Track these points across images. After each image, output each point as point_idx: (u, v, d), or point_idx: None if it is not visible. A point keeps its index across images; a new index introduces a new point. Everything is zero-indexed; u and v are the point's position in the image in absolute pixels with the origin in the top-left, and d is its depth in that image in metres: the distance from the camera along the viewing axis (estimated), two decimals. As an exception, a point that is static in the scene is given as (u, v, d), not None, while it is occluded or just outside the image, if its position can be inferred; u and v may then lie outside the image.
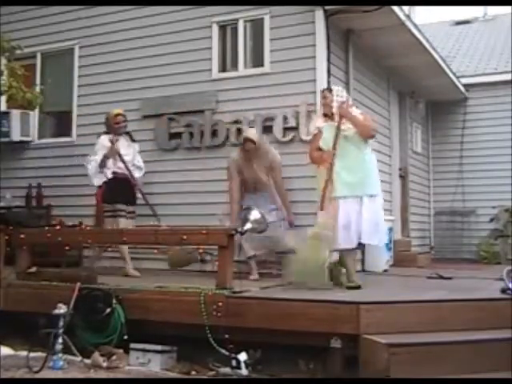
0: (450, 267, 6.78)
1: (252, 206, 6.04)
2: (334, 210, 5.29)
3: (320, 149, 5.52)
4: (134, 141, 6.86)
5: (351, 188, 5.32)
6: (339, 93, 5.57)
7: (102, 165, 6.56)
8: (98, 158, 6.60)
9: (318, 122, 5.69)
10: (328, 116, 5.57)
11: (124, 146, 6.71)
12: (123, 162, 6.59)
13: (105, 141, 6.66)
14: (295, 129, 6.95)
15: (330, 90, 5.63)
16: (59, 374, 4.44)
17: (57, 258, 7.26)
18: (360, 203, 5.31)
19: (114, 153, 6.57)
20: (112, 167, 6.58)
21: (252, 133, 6.43)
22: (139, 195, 6.75)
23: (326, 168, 5.37)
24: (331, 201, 5.34)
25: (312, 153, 5.63)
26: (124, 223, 6.41)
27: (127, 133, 6.85)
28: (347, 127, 5.41)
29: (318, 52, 6.91)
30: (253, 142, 6.26)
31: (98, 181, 6.64)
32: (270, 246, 6.11)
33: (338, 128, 5.38)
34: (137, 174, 6.76)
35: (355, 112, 5.56)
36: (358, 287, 5.23)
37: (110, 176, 6.57)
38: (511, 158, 10.40)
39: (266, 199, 6.29)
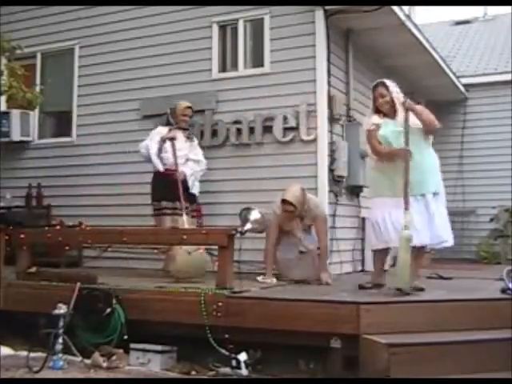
0: (450, 267, 6.77)
1: (252, 207, 6.07)
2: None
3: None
4: (189, 138, 6.67)
5: (413, 187, 5.00)
6: (393, 88, 5.24)
7: (160, 149, 6.46)
8: (154, 142, 6.49)
9: (374, 118, 5.32)
10: (383, 113, 5.27)
11: (181, 139, 6.58)
12: (174, 151, 6.43)
13: (162, 129, 6.61)
14: (295, 129, 6.95)
15: (385, 85, 5.25)
16: (59, 374, 4.44)
17: (57, 258, 7.29)
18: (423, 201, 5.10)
19: (171, 136, 6.46)
20: (166, 158, 6.46)
21: (292, 195, 5.78)
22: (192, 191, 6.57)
23: (405, 165, 4.96)
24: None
25: (377, 147, 5.23)
26: (170, 221, 6.28)
27: (186, 129, 6.71)
28: (412, 123, 5.08)
29: (318, 52, 6.91)
30: (293, 205, 5.75)
31: (161, 166, 6.49)
32: None
33: (406, 122, 5.03)
34: (197, 168, 6.61)
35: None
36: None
37: (161, 169, 6.47)
38: (511, 157, 10.41)
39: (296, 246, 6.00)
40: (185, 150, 6.57)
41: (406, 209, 4.89)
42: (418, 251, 5.10)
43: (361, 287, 5.28)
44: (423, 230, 5.01)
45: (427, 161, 5.18)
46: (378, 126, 5.26)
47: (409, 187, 4.92)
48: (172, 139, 6.48)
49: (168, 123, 6.72)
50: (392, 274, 4.99)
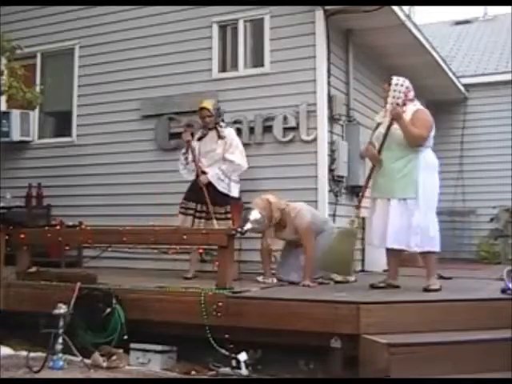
0: (450, 267, 6.77)
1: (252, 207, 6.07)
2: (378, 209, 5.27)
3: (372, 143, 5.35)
4: (220, 137, 6.39)
5: (381, 190, 5.23)
6: (397, 87, 5.22)
7: (185, 158, 6.41)
8: (183, 150, 6.49)
9: (377, 116, 5.45)
10: (387, 110, 5.29)
11: (212, 140, 6.41)
12: (193, 154, 6.32)
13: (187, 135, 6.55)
14: (295, 129, 6.95)
15: (389, 83, 5.28)
16: (59, 374, 4.44)
17: (57, 258, 7.29)
18: (388, 205, 5.17)
19: (187, 137, 6.40)
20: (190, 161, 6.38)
21: (254, 206, 5.75)
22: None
23: (370, 169, 5.26)
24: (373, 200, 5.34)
25: (365, 146, 5.43)
26: (190, 222, 6.23)
27: (217, 130, 6.45)
28: (397, 127, 5.15)
29: (318, 52, 6.91)
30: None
31: (188, 175, 6.45)
32: None
33: (388, 128, 5.14)
34: (232, 169, 6.36)
35: (410, 109, 5.20)
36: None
37: (190, 178, 6.42)
38: (511, 157, 10.41)
39: (298, 257, 5.96)
40: (218, 150, 6.36)
41: (357, 208, 5.50)
42: (424, 254, 5.25)
43: (373, 286, 5.30)
44: (380, 232, 5.19)
45: (398, 166, 5.15)
46: (378, 124, 5.35)
47: (377, 188, 5.24)
48: (188, 142, 6.40)
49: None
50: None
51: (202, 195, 6.23)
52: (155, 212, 7.30)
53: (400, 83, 5.26)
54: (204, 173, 6.30)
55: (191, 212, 6.32)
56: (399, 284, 5.37)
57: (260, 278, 5.84)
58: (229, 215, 6.32)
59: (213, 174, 6.30)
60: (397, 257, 5.43)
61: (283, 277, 5.89)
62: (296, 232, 5.83)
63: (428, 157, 5.26)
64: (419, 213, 5.09)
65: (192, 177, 6.42)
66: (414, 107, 5.26)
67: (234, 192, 6.43)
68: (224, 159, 6.36)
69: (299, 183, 6.70)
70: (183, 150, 6.52)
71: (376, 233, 5.28)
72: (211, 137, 6.45)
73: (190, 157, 6.39)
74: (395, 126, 5.15)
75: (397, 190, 5.14)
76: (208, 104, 6.46)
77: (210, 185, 6.28)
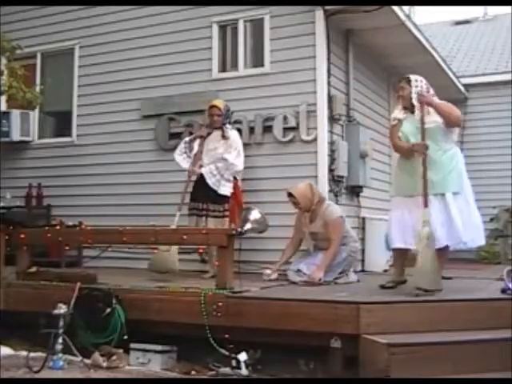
0: (450, 267, 6.75)
1: (252, 206, 6.08)
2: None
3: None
4: (224, 137, 6.42)
5: (432, 186, 4.99)
6: (418, 83, 5.20)
7: (190, 145, 6.45)
8: (183, 142, 6.52)
9: (397, 113, 5.36)
10: (407, 108, 5.26)
11: (215, 139, 6.46)
12: (199, 149, 6.38)
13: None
14: (295, 129, 6.95)
15: (408, 80, 5.25)
16: (59, 374, 4.44)
17: (57, 258, 7.29)
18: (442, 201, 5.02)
19: (201, 133, 6.44)
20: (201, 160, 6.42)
21: (296, 188, 5.95)
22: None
23: (422, 160, 4.97)
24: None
25: (396, 142, 5.27)
26: (195, 221, 6.27)
27: (223, 130, 6.48)
28: (430, 120, 5.08)
29: (318, 52, 6.91)
30: (295, 197, 5.91)
31: (184, 162, 6.47)
32: None
33: (422, 120, 5.03)
34: (227, 168, 6.36)
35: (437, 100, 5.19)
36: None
37: (185, 167, 6.45)
38: (511, 157, 10.41)
39: (316, 256, 5.95)
40: (220, 149, 6.42)
41: (425, 206, 4.88)
42: (439, 251, 5.00)
43: (382, 287, 5.27)
44: (440, 229, 4.95)
45: (445, 160, 5.11)
46: (400, 121, 5.27)
47: (427, 185, 4.91)
48: (201, 137, 6.44)
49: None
50: (415, 274, 4.86)
51: (204, 193, 6.27)
52: (155, 212, 7.30)
53: (420, 79, 5.26)
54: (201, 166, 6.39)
55: (195, 212, 6.35)
56: (406, 279, 5.29)
57: (265, 271, 5.91)
58: (227, 213, 6.36)
59: (206, 169, 6.38)
60: (404, 255, 5.35)
61: (292, 267, 5.90)
62: (325, 225, 5.87)
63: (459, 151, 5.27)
64: (469, 207, 5.07)
65: (185, 164, 6.47)
66: (438, 101, 5.25)
67: (224, 190, 6.41)
68: (224, 159, 6.40)
69: (299, 183, 6.68)
70: (186, 139, 6.55)
71: (441, 230, 4.97)
72: (215, 136, 6.48)
73: (196, 149, 6.42)
74: (430, 119, 5.07)
75: (451, 184, 5.05)
76: (219, 103, 6.51)
77: (206, 184, 6.33)
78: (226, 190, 6.42)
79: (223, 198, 6.39)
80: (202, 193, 6.35)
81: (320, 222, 5.93)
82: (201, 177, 6.39)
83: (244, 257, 6.19)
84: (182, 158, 6.52)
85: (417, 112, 5.15)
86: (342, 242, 5.89)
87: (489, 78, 11.13)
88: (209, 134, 6.51)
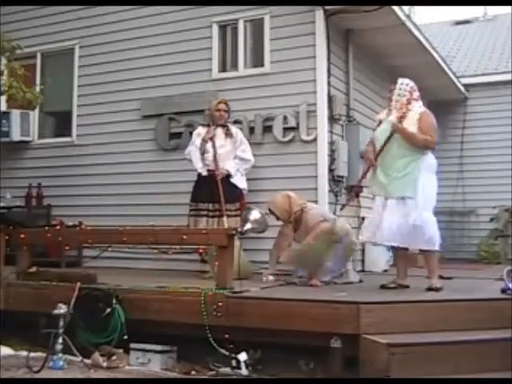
0: (450, 267, 6.77)
1: (252, 206, 6.07)
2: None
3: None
4: (228, 134, 6.52)
5: (380, 188, 5.27)
6: (402, 86, 5.28)
7: (202, 150, 6.42)
8: (194, 146, 6.49)
9: (380, 114, 5.53)
10: (391, 109, 5.35)
11: (221, 136, 6.51)
12: (214, 152, 6.37)
13: (201, 130, 6.59)
14: (295, 129, 6.95)
15: (395, 83, 5.35)
16: (59, 374, 4.44)
17: (57, 258, 7.29)
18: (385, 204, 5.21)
19: (211, 134, 6.42)
20: (207, 158, 6.42)
21: (272, 202, 6.02)
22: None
23: (365, 169, 5.37)
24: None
25: (367, 147, 5.50)
26: (205, 223, 6.24)
27: (225, 126, 6.58)
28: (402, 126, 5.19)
29: (318, 52, 6.91)
30: (273, 213, 5.97)
31: (200, 167, 6.44)
32: None
33: (388, 139, 5.20)
34: (245, 166, 6.54)
35: (415, 111, 5.24)
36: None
37: (205, 173, 6.41)
38: (511, 157, 10.41)
39: None
40: (227, 147, 6.48)
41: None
42: (424, 252, 5.27)
43: (383, 287, 5.29)
44: (375, 229, 5.19)
45: (398, 166, 5.19)
46: (379, 122, 5.40)
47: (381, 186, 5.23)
48: (211, 138, 6.44)
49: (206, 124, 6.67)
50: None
51: (214, 194, 6.26)
52: (155, 212, 7.31)
53: (405, 83, 5.33)
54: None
55: (204, 213, 6.33)
56: (409, 284, 5.36)
57: (264, 272, 5.93)
58: (238, 212, 6.35)
59: (230, 166, 6.41)
60: (403, 257, 5.43)
61: (294, 274, 5.92)
62: (307, 232, 5.85)
63: (428, 158, 5.30)
64: (416, 212, 5.11)
65: (204, 170, 6.43)
66: (419, 108, 5.31)
67: (242, 184, 6.52)
68: (235, 156, 6.48)
69: (299, 183, 6.69)
70: (197, 144, 6.50)
71: (367, 227, 5.37)
72: (219, 134, 6.50)
73: (211, 152, 6.40)
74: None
75: (395, 189, 5.17)
76: (225, 101, 6.62)
77: (225, 180, 6.34)
78: (244, 183, 6.53)
79: (235, 198, 6.42)
80: (212, 193, 6.29)
81: (304, 229, 5.90)
82: (210, 177, 6.37)
83: (245, 256, 6.21)
84: (200, 166, 6.46)
85: (392, 116, 5.28)
86: (337, 240, 5.85)
87: (489, 78, 11.13)
88: (214, 130, 6.52)
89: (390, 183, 5.19)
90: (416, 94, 5.33)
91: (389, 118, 5.30)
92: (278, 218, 6.01)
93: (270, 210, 6.02)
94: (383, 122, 5.37)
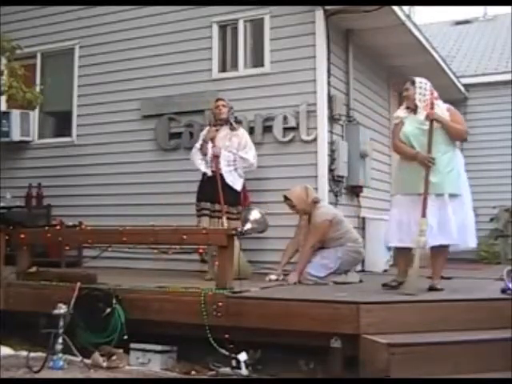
0: (450, 267, 6.75)
1: (252, 206, 6.08)
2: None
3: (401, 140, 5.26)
4: (232, 129, 6.48)
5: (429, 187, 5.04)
6: (422, 85, 5.23)
7: (203, 151, 6.40)
8: (196, 148, 6.48)
9: (400, 112, 5.41)
10: (410, 108, 5.29)
11: (224, 136, 6.46)
12: (213, 149, 6.34)
13: (204, 131, 6.58)
14: (295, 129, 6.95)
15: (412, 82, 5.28)
16: (59, 374, 4.44)
17: (57, 258, 7.29)
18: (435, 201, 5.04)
19: (211, 135, 6.39)
20: (208, 159, 6.38)
21: (291, 191, 6.06)
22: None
23: (425, 172, 5.02)
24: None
25: (397, 143, 5.30)
26: (207, 222, 6.21)
27: (230, 123, 6.53)
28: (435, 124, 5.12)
29: (318, 52, 6.91)
30: (289, 200, 6.03)
31: (203, 167, 6.41)
32: None
33: (430, 133, 5.07)
34: (244, 164, 6.46)
35: (441, 107, 5.24)
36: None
37: (210, 173, 6.37)
38: (511, 157, 10.41)
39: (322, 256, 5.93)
40: (232, 146, 6.43)
41: (423, 216, 4.91)
42: (435, 250, 5.13)
43: (385, 285, 5.26)
44: (436, 229, 4.99)
45: (444, 161, 5.13)
46: (402, 121, 5.29)
47: (427, 192, 4.98)
48: (212, 139, 6.41)
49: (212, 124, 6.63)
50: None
51: (215, 193, 6.24)
52: (155, 212, 7.31)
53: (424, 82, 5.29)
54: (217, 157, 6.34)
55: (206, 212, 6.32)
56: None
57: (272, 277, 5.89)
58: (240, 216, 6.30)
59: (224, 154, 6.35)
60: (407, 256, 5.35)
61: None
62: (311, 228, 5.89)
63: (460, 153, 5.34)
64: (465, 209, 5.12)
65: (209, 171, 6.40)
66: (443, 104, 5.31)
67: (238, 185, 6.44)
68: (240, 157, 6.44)
69: (299, 183, 6.68)
70: (197, 145, 6.50)
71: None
72: (224, 134, 6.48)
73: (210, 151, 6.37)
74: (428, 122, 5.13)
75: (448, 185, 5.08)
76: (222, 98, 6.60)
77: (223, 185, 6.28)
78: (238, 185, 6.44)
79: (237, 201, 6.41)
80: (213, 193, 6.27)
81: (311, 224, 5.95)
82: (213, 177, 6.35)
83: (244, 257, 6.20)
84: (203, 165, 6.45)
85: (421, 114, 5.17)
86: (338, 243, 5.89)
87: (489, 78, 11.13)
88: (216, 131, 6.49)
89: (443, 180, 5.06)
90: (436, 93, 5.31)
91: (418, 117, 5.19)
92: (292, 207, 6.03)
93: (285, 197, 6.05)
94: (407, 120, 5.25)
